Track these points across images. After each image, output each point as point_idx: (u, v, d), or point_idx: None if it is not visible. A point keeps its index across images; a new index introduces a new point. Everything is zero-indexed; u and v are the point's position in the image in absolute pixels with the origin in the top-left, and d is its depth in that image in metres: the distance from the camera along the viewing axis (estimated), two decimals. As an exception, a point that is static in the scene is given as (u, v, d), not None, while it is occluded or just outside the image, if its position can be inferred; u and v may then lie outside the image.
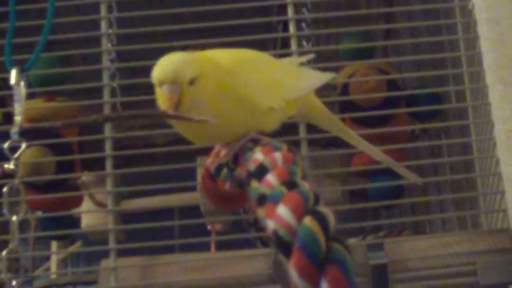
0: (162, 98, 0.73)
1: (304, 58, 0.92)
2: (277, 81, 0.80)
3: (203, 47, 0.82)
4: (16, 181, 0.83)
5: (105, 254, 1.12)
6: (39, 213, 1.32)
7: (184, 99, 0.72)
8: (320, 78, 0.87)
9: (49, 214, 1.26)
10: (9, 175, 0.86)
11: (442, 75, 1.34)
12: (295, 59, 0.95)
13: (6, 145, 0.83)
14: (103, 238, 1.27)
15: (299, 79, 0.84)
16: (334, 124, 0.93)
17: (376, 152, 0.97)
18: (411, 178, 1.01)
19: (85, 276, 1.42)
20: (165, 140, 1.21)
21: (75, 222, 1.45)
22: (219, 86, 0.74)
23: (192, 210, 1.54)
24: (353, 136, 0.95)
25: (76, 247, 1.95)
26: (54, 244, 1.91)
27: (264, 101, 0.77)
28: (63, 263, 2.05)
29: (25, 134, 0.90)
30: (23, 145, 0.83)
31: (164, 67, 0.73)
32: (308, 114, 0.90)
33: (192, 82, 0.72)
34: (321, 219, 0.58)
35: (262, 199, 0.64)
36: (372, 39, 1.38)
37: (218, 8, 1.20)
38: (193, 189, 1.45)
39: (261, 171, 0.66)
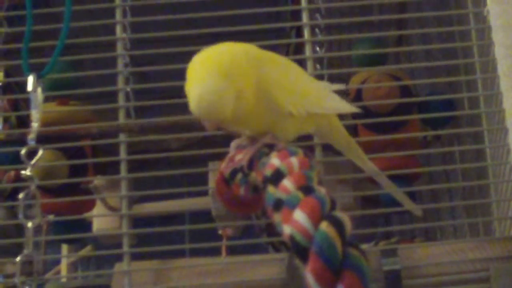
0: None
1: (336, 86, 0.92)
2: (302, 91, 0.80)
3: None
4: (33, 187, 0.83)
5: (116, 258, 1.12)
6: (51, 217, 1.32)
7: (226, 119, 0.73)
8: (346, 106, 0.87)
9: (61, 218, 1.26)
10: (21, 178, 0.86)
11: (455, 82, 1.34)
12: (329, 85, 0.95)
13: (23, 151, 0.83)
14: (114, 242, 1.28)
15: (325, 98, 0.85)
16: (351, 148, 0.94)
17: (385, 181, 0.99)
18: (413, 209, 1.03)
19: (96, 280, 1.42)
20: (178, 145, 1.21)
21: (86, 226, 1.45)
22: (255, 88, 0.74)
23: (203, 215, 1.54)
24: (367, 163, 0.96)
25: (87, 251, 1.95)
26: (64, 248, 1.91)
27: (284, 104, 0.77)
28: (73, 266, 2.05)
29: (39, 138, 0.90)
30: (40, 152, 0.83)
31: (201, 104, 0.72)
32: (327, 134, 0.90)
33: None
34: (337, 224, 0.58)
35: (278, 204, 0.64)
36: (384, 45, 1.38)
37: (232, 13, 1.20)
38: (204, 193, 1.45)
39: (277, 176, 0.67)
